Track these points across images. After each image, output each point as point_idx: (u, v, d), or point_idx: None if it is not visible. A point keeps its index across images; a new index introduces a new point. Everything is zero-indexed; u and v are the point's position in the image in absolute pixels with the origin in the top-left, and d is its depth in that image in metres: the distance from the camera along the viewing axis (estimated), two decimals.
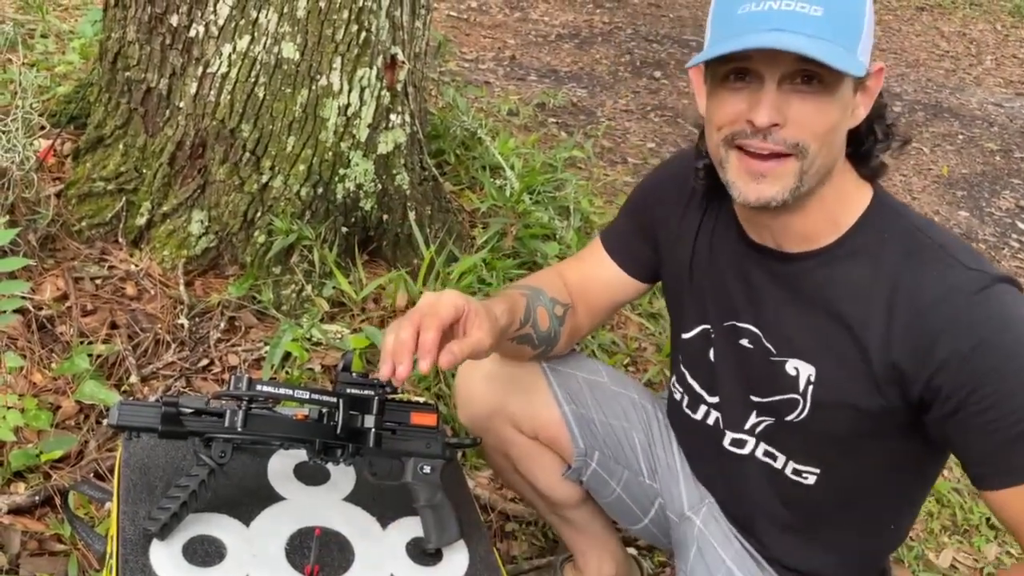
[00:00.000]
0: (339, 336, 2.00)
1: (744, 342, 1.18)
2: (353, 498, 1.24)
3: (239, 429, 1.10)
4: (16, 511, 1.49)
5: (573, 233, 2.61)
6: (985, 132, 5.04)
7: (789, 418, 1.15)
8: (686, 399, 1.30)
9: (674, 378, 1.34)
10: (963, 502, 2.11)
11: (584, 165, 3.55)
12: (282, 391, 1.10)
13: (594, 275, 1.34)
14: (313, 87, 2.05)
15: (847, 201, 1.09)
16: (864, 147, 1.09)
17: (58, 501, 1.51)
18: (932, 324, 1.00)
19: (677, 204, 1.26)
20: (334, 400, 1.14)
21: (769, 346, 1.15)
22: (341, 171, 2.14)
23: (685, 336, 1.28)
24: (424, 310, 1.05)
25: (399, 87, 2.19)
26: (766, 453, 1.20)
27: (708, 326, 1.23)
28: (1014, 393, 0.98)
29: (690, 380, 1.29)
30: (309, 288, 2.10)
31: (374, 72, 2.12)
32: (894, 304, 1.03)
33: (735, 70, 1.00)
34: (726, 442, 1.24)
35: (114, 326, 1.91)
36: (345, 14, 2.03)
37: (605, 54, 5.34)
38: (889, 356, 1.04)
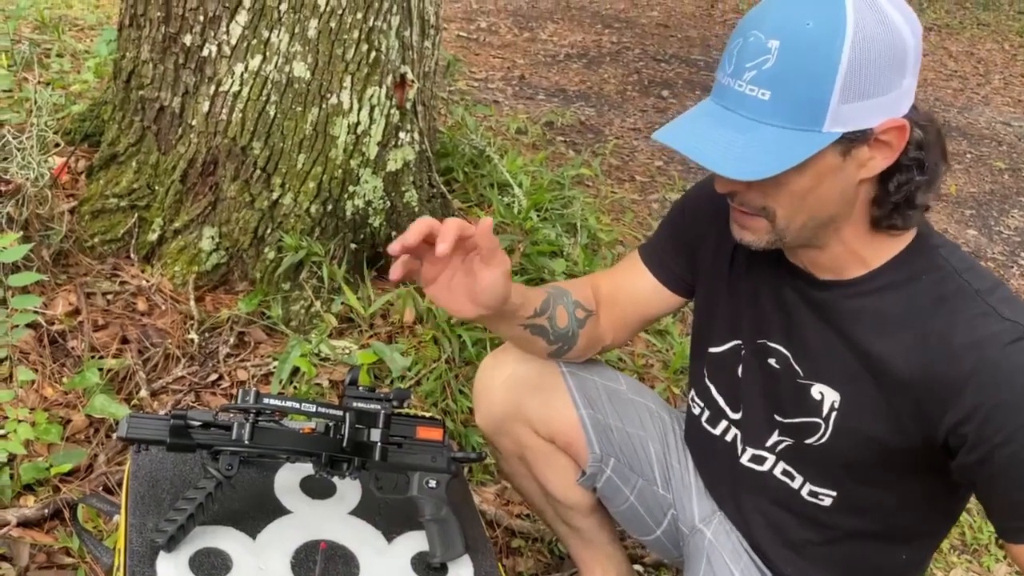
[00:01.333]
0: (347, 351, 2.02)
1: (773, 361, 1.18)
2: (359, 512, 1.25)
3: (246, 442, 1.11)
4: (25, 524, 1.50)
5: (580, 250, 2.62)
6: (994, 151, 5.04)
7: (809, 441, 1.15)
8: (706, 413, 1.30)
9: (693, 392, 1.34)
10: (972, 521, 2.10)
11: (592, 183, 3.57)
12: (289, 404, 1.12)
13: (628, 287, 1.35)
14: (323, 105, 2.08)
15: (877, 244, 1.07)
16: (880, 197, 1.04)
17: (67, 514, 1.52)
18: (960, 371, 0.99)
19: (716, 219, 1.25)
20: (341, 414, 1.15)
21: (797, 368, 1.15)
22: (350, 188, 2.16)
23: (714, 350, 1.28)
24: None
25: (408, 106, 2.21)
26: (784, 472, 1.20)
27: (740, 342, 1.24)
28: None
29: (714, 394, 1.29)
30: (318, 304, 2.11)
31: (384, 91, 2.14)
32: (924, 346, 1.02)
33: None
34: (745, 459, 1.24)
35: (125, 341, 1.93)
36: (355, 34, 2.06)
37: (613, 74, 5.38)
38: (914, 397, 1.03)
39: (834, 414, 1.12)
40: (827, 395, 1.12)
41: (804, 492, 1.18)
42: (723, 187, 1.04)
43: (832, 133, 0.95)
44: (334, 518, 1.23)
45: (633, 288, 1.35)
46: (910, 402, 1.03)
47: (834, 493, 1.16)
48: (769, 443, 1.20)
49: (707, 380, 1.29)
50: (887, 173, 1.01)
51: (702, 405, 1.31)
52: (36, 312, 1.78)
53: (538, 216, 2.70)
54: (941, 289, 1.03)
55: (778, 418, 1.18)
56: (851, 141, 0.97)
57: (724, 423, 1.28)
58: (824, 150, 0.96)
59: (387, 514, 1.25)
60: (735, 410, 1.26)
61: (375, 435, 1.17)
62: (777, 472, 1.21)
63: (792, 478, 1.19)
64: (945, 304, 1.02)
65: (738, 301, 1.24)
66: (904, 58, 0.96)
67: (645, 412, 1.39)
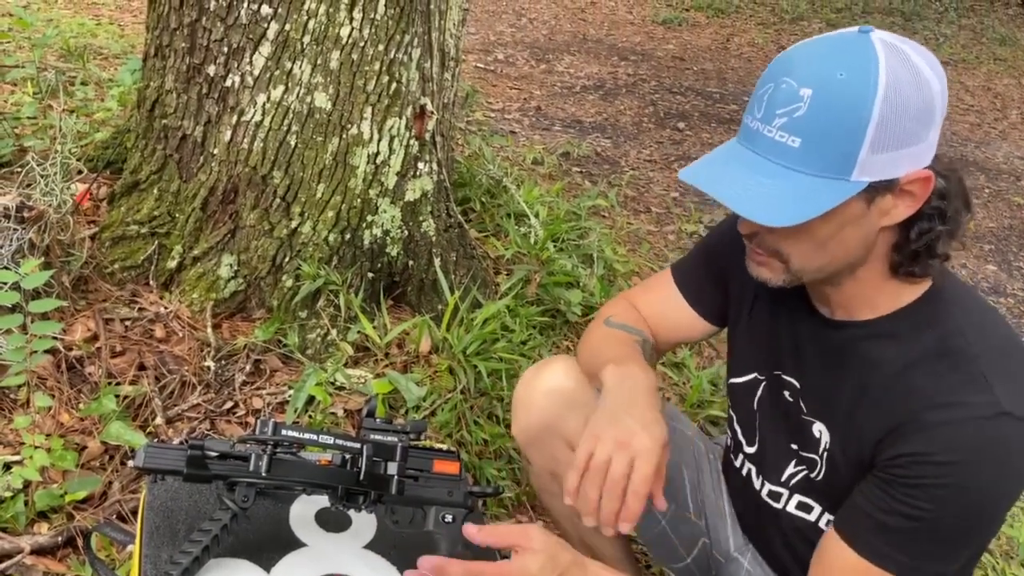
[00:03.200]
0: (363, 381, 2.01)
1: (787, 394, 1.19)
2: (374, 546, 1.24)
3: (264, 473, 1.10)
4: (39, 552, 1.49)
5: (597, 281, 2.62)
6: (1012, 186, 5.02)
7: (811, 475, 1.16)
8: (732, 444, 1.31)
9: (728, 422, 1.35)
10: (995, 563, 2.05)
11: (608, 214, 3.57)
12: (307, 436, 1.11)
13: (666, 311, 1.35)
14: (344, 136, 2.09)
15: (891, 290, 1.07)
16: (900, 244, 1.04)
17: (80, 542, 1.51)
18: (925, 421, 0.98)
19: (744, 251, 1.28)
20: (358, 446, 1.14)
21: (803, 404, 1.16)
22: (369, 218, 2.17)
23: (735, 381, 1.29)
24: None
25: (427, 136, 2.23)
26: (800, 505, 1.19)
27: (757, 374, 1.24)
28: (941, 516, 0.97)
29: (736, 425, 1.29)
30: (334, 332, 2.11)
31: (403, 122, 2.16)
32: (906, 396, 1.01)
33: None
34: (764, 493, 1.24)
35: (142, 367, 1.93)
36: (377, 65, 2.08)
37: (629, 105, 5.41)
38: (878, 435, 1.04)
39: (826, 454, 1.12)
40: (823, 435, 1.13)
41: (822, 523, 1.17)
42: (746, 228, 1.05)
43: (859, 182, 0.95)
44: (349, 552, 1.21)
45: (672, 315, 1.35)
46: (873, 438, 1.04)
47: None
48: (784, 476, 1.20)
49: (731, 410, 1.30)
50: (909, 221, 1.01)
51: (730, 435, 1.33)
52: (55, 338, 1.79)
53: (555, 246, 2.70)
54: (940, 347, 1.02)
55: (795, 447, 1.18)
56: (876, 190, 0.96)
57: (741, 457, 1.28)
58: (850, 199, 0.96)
59: (402, 549, 1.23)
60: (750, 444, 1.26)
61: (392, 468, 1.16)
62: (791, 507, 1.20)
63: (809, 510, 1.18)
64: (940, 362, 1.01)
65: (758, 333, 1.24)
66: (932, 111, 0.96)
67: (681, 438, 1.39)
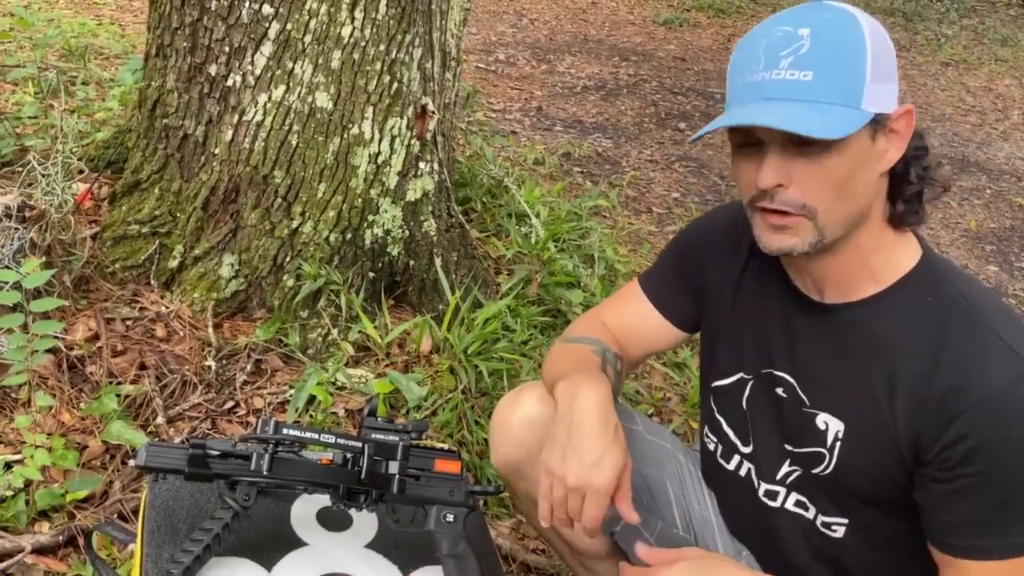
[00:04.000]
0: (363, 380, 2.01)
1: (780, 391, 1.18)
2: (375, 545, 1.24)
3: (265, 472, 1.10)
4: (40, 551, 1.49)
5: (598, 281, 2.62)
6: (1013, 186, 5.01)
7: (815, 471, 1.14)
8: (720, 448, 1.29)
9: (707, 427, 1.32)
10: None
11: (609, 214, 3.57)
12: (308, 435, 1.11)
13: (634, 322, 1.34)
14: (345, 135, 2.09)
15: (889, 255, 1.08)
16: (898, 190, 1.08)
17: (81, 542, 1.51)
18: (965, 401, 0.99)
19: (721, 252, 1.26)
20: (359, 445, 1.14)
21: (803, 396, 1.14)
22: (370, 217, 2.17)
23: (720, 384, 1.27)
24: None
25: (428, 136, 2.23)
26: (797, 503, 1.19)
27: (743, 374, 1.23)
28: (1008, 490, 0.98)
29: (725, 428, 1.27)
30: (335, 332, 2.11)
31: (405, 122, 2.16)
32: (932, 376, 1.01)
33: (744, 137, 1.04)
34: (760, 493, 1.23)
35: (143, 367, 1.93)
36: (378, 65, 2.08)
37: (630, 106, 5.41)
38: (916, 424, 1.03)
39: (838, 444, 1.11)
40: (832, 425, 1.11)
41: (818, 523, 1.17)
42: (770, 180, 1.01)
43: (868, 112, 0.98)
44: (350, 551, 1.21)
45: (641, 325, 1.34)
46: (911, 430, 1.03)
47: (845, 522, 1.14)
48: (780, 475, 1.19)
49: (717, 414, 1.28)
50: (897, 170, 1.05)
51: (715, 440, 1.30)
52: (56, 337, 1.79)
53: (555, 247, 2.70)
54: (949, 314, 1.03)
55: (788, 448, 1.17)
56: (876, 125, 1.00)
57: (737, 458, 1.26)
58: (860, 132, 0.98)
59: (403, 548, 1.23)
60: (746, 444, 1.25)
61: (393, 467, 1.16)
62: (790, 505, 1.19)
63: (806, 509, 1.18)
64: (955, 331, 1.02)
65: (742, 333, 1.23)
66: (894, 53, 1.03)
67: (662, 453, 1.37)
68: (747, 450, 1.24)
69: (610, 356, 1.28)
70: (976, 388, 0.98)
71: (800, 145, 0.99)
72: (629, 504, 1.10)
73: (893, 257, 1.08)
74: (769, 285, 1.19)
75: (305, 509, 1.26)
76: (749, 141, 1.03)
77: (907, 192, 1.07)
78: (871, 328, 1.08)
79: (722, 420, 1.28)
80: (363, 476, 1.14)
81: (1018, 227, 4.45)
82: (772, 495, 1.21)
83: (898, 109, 1.01)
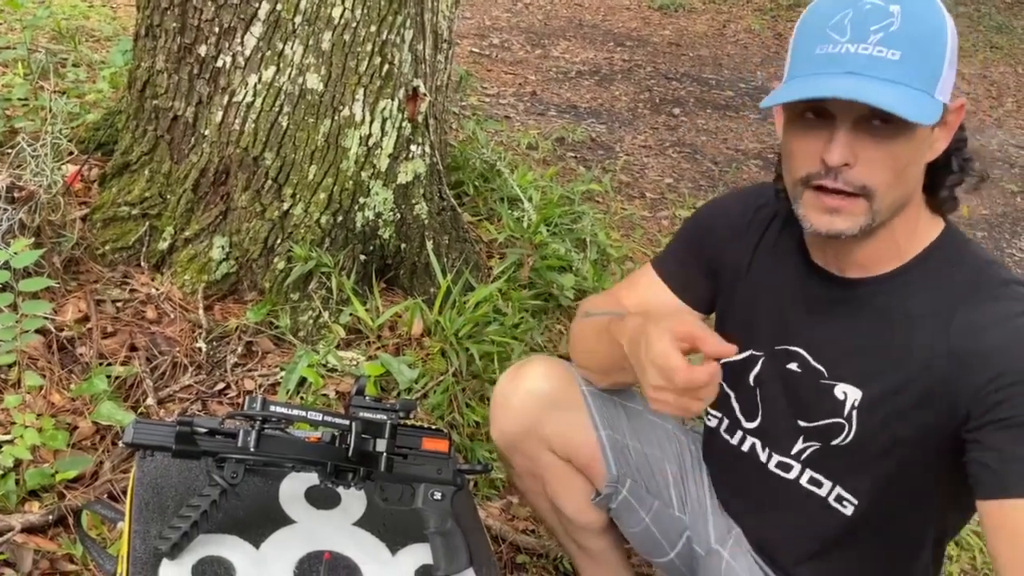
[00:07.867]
0: (354, 363, 2.01)
1: (793, 366, 1.18)
2: (363, 523, 1.24)
3: (252, 449, 1.10)
4: (29, 530, 1.49)
5: (590, 265, 2.62)
6: (1006, 174, 5.02)
7: (835, 442, 1.14)
8: (725, 423, 1.30)
9: (716, 403, 1.33)
10: (983, 546, 2.07)
11: (602, 199, 3.57)
12: (295, 412, 1.11)
13: (649, 303, 1.34)
14: (336, 117, 2.09)
15: (915, 233, 1.10)
16: (938, 180, 1.09)
17: (71, 521, 1.52)
18: (989, 343, 0.99)
19: (735, 233, 1.26)
20: (347, 423, 1.14)
21: (820, 368, 1.15)
22: (361, 200, 2.16)
23: (728, 360, 1.27)
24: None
25: (420, 119, 2.22)
26: (811, 480, 1.19)
27: (754, 351, 1.23)
28: None
29: (733, 403, 1.28)
30: (326, 315, 2.11)
31: (396, 104, 2.15)
32: (953, 331, 1.03)
33: (811, 107, 1.01)
34: (772, 464, 1.23)
35: (133, 348, 1.93)
36: (369, 47, 2.07)
37: (625, 91, 5.39)
38: (940, 375, 1.03)
39: (855, 412, 1.11)
40: (850, 394, 1.11)
41: (831, 498, 1.17)
42: (838, 158, 0.99)
43: (940, 101, 0.98)
44: (338, 529, 1.22)
45: (656, 307, 1.33)
46: (935, 382, 1.03)
47: (856, 501, 1.15)
48: (795, 451, 1.20)
49: (727, 388, 1.28)
50: (940, 160, 1.06)
51: (719, 416, 1.31)
52: (46, 318, 1.78)
53: (548, 231, 2.69)
54: (973, 278, 1.05)
55: (802, 423, 1.18)
56: (941, 113, 1.00)
57: (740, 432, 1.27)
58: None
59: (391, 526, 1.24)
60: (751, 419, 1.25)
61: (381, 445, 1.17)
62: (804, 481, 1.19)
63: (820, 485, 1.18)
64: (977, 292, 1.04)
65: (755, 310, 1.23)
66: None
67: (663, 433, 1.38)
68: (751, 425, 1.25)
69: None
70: (998, 332, 0.99)
71: (876, 125, 0.98)
72: (714, 342, 1.04)
73: (918, 232, 1.10)
74: (786, 262, 1.19)
75: (293, 487, 1.27)
76: (816, 112, 1.01)
77: (949, 181, 1.08)
78: (891, 300, 1.09)
79: (732, 393, 1.28)
80: (351, 454, 1.14)
81: (1010, 214, 4.46)
82: (786, 467, 1.21)
83: (954, 102, 1.02)
